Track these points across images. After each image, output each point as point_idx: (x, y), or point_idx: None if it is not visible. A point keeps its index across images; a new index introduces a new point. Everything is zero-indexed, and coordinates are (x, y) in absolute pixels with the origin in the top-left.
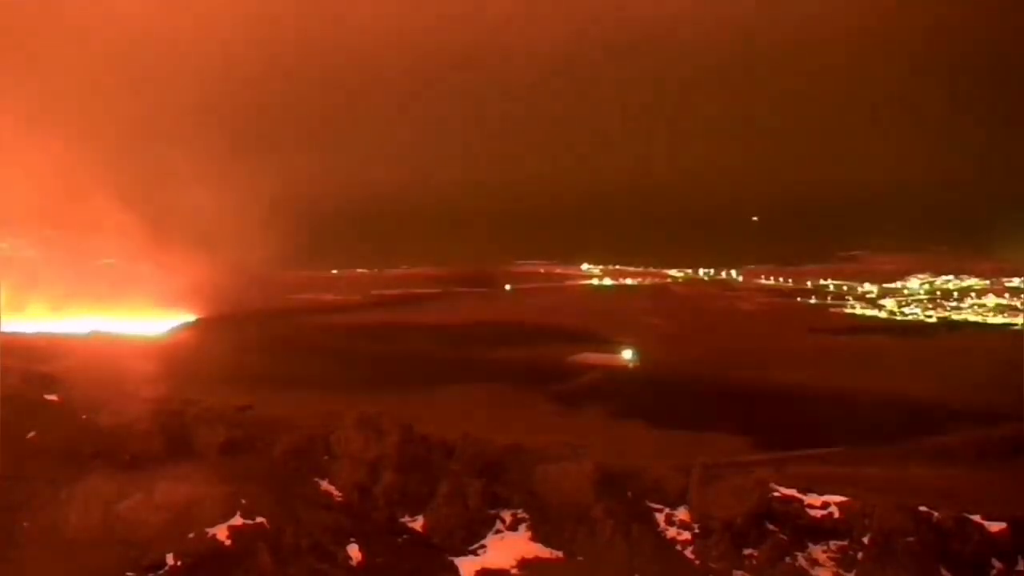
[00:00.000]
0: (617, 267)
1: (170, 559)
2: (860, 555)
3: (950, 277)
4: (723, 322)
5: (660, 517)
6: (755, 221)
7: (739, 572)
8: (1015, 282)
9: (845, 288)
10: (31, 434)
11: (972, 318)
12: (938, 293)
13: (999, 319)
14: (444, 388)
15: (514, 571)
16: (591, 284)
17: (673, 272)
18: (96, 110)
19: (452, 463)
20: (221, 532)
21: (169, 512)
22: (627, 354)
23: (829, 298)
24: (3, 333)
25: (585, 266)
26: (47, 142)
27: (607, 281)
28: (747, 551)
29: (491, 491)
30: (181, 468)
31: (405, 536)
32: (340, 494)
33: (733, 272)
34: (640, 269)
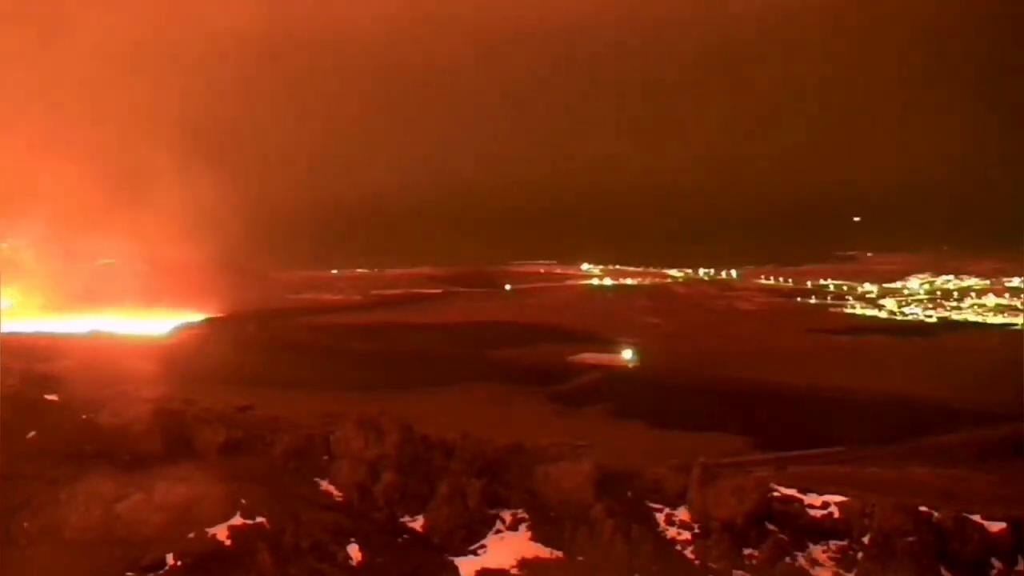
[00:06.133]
0: (617, 267)
1: (170, 559)
2: (860, 555)
3: (950, 277)
4: (723, 322)
5: (660, 517)
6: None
7: (739, 572)
8: (1015, 282)
9: (845, 288)
10: (31, 434)
11: (972, 318)
12: (938, 293)
13: (999, 319)
14: (444, 388)
15: (514, 571)
16: (591, 284)
17: (673, 272)
18: (98, 110)
19: (452, 463)
20: (221, 532)
21: (169, 512)
22: (627, 354)
23: (829, 298)
24: (3, 333)
25: (585, 266)
26: (48, 142)
27: (607, 281)
28: (747, 551)
29: (491, 491)
30: (181, 468)
31: (405, 536)
32: (340, 494)
33: (733, 272)
34: (640, 269)
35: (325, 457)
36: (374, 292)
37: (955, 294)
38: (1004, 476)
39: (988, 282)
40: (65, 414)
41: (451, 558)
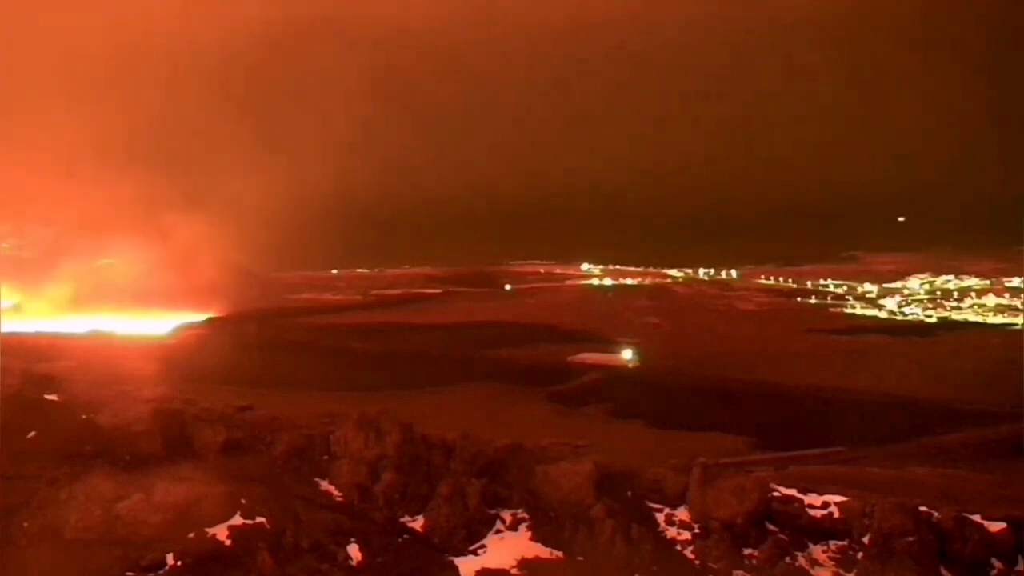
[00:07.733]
0: (617, 267)
1: (170, 559)
2: (860, 555)
3: (950, 277)
4: (723, 322)
5: (660, 517)
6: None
7: (739, 572)
8: (1015, 282)
9: (845, 288)
10: (31, 434)
11: (972, 318)
12: (938, 293)
13: (999, 319)
14: (444, 388)
15: (514, 571)
16: (591, 284)
17: (673, 272)
18: (99, 110)
19: (452, 463)
20: (221, 532)
21: (169, 512)
22: (627, 354)
23: (829, 298)
24: (3, 333)
25: (585, 266)
26: (49, 142)
27: (607, 281)
28: (747, 551)
29: (491, 491)
30: (181, 468)
31: (405, 536)
32: (340, 494)
33: (733, 272)
34: (640, 269)
35: (325, 457)
36: (374, 292)
37: (955, 294)
38: (1004, 476)
39: (988, 282)
40: (65, 414)
41: (451, 558)
